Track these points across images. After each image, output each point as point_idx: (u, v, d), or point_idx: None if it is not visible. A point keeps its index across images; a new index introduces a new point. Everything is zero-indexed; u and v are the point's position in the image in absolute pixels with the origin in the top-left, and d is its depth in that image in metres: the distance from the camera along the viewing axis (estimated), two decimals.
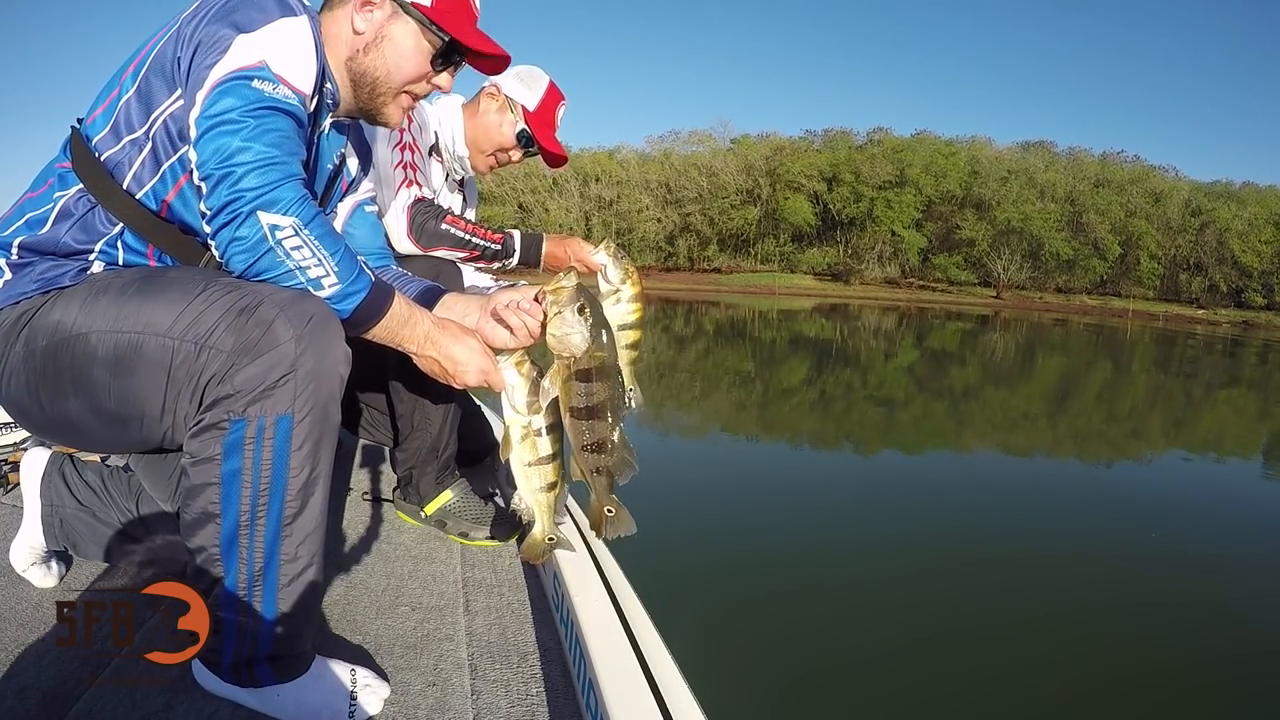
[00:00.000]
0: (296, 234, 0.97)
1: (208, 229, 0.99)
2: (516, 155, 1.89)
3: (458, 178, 2.01)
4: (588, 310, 1.13)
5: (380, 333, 1.10)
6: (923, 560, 3.82)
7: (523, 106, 1.85)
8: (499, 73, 1.40)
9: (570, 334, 1.13)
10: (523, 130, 1.84)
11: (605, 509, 1.22)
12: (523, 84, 1.88)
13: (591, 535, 1.50)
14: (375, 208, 1.47)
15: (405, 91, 1.25)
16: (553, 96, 1.87)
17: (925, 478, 5.87)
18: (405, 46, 1.21)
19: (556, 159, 1.93)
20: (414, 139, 1.78)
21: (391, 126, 1.30)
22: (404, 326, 1.12)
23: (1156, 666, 2.92)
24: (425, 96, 1.31)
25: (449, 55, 1.25)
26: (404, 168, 1.74)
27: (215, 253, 1.01)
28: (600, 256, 1.40)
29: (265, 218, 0.96)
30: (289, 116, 1.01)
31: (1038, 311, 37.33)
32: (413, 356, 1.17)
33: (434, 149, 1.91)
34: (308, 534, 1.03)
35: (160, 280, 1.03)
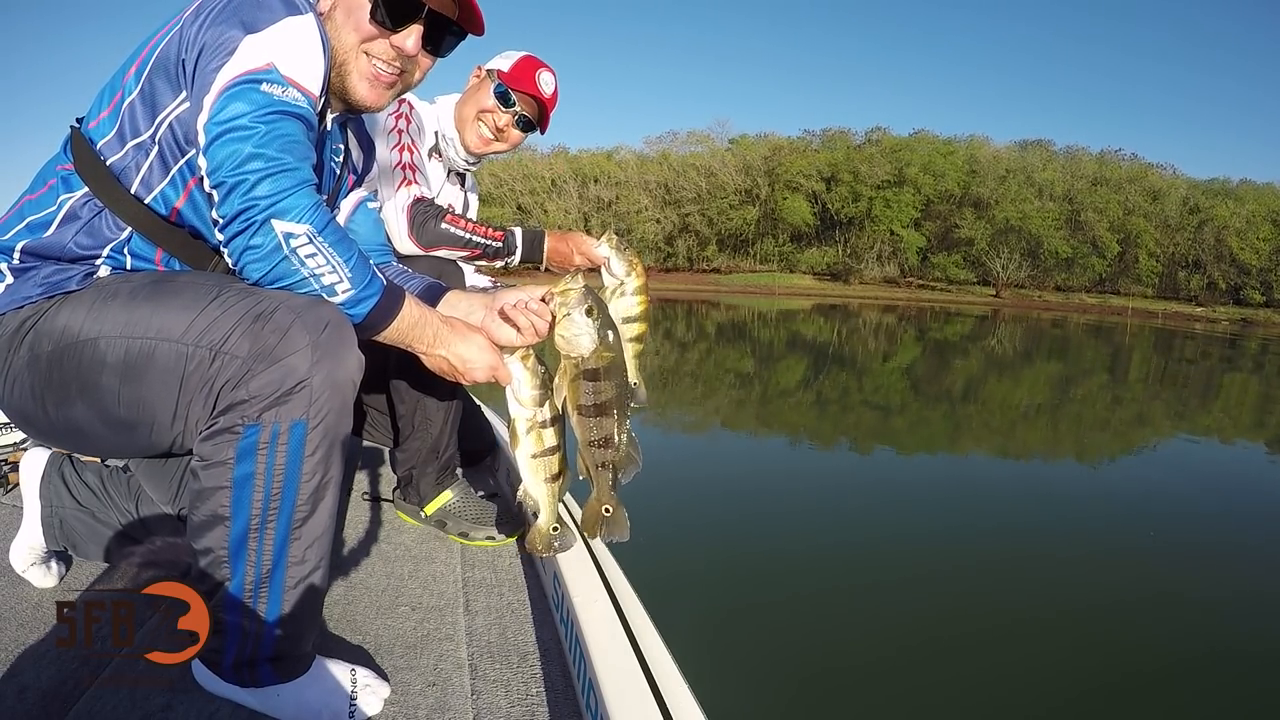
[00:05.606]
0: (310, 241, 0.97)
1: (220, 236, 0.98)
2: (502, 119, 1.87)
3: (458, 170, 2.00)
4: (595, 312, 1.15)
5: (391, 334, 1.10)
6: (923, 561, 3.82)
7: (498, 70, 1.87)
8: (469, 25, 1.26)
9: (579, 335, 1.15)
10: (499, 86, 1.85)
11: (604, 507, 1.24)
12: (500, 57, 1.91)
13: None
14: (377, 204, 1.47)
15: (366, 54, 1.15)
16: (529, 61, 1.88)
17: (926, 478, 5.87)
18: (353, 5, 1.13)
19: (533, 95, 1.86)
20: (413, 140, 1.78)
21: (367, 105, 1.20)
22: (414, 328, 1.12)
23: (1159, 664, 2.93)
24: (403, 74, 1.20)
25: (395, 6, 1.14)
26: (403, 168, 1.74)
27: (229, 260, 1.00)
28: (603, 249, 1.40)
29: (280, 226, 0.95)
30: (299, 120, 0.99)
31: (1037, 310, 37.35)
32: (421, 356, 1.17)
33: (434, 150, 1.91)
34: (316, 538, 1.03)
35: (171, 285, 1.02)
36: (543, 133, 1.95)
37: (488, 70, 1.89)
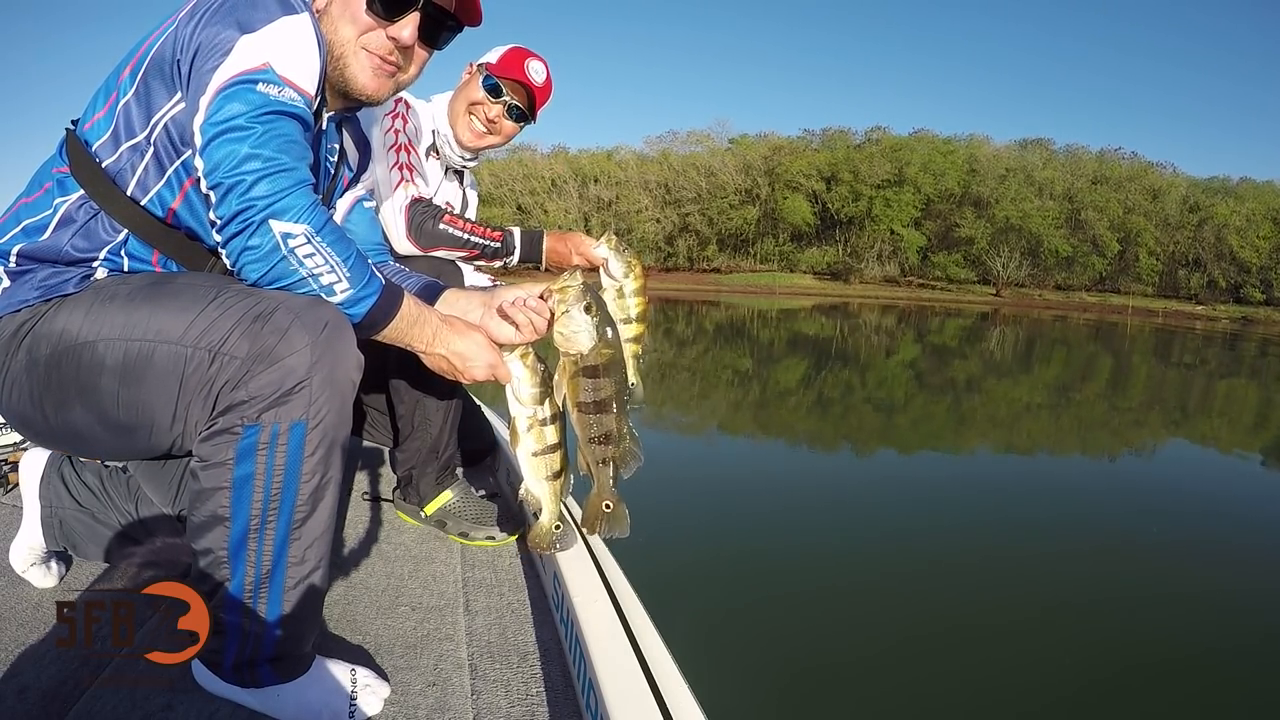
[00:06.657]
0: (309, 241, 0.96)
1: (218, 238, 0.97)
2: (492, 110, 1.87)
3: (455, 167, 2.00)
4: (594, 309, 1.16)
5: (390, 334, 1.10)
6: (922, 558, 3.82)
7: (486, 63, 1.88)
8: (466, 16, 1.26)
9: (578, 332, 1.15)
10: (487, 78, 1.85)
11: (604, 504, 1.24)
12: (490, 52, 1.91)
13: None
14: (373, 203, 1.47)
15: (364, 49, 1.14)
16: (517, 51, 1.89)
17: (924, 476, 5.87)
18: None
19: (522, 81, 1.86)
20: (409, 140, 1.78)
21: (369, 94, 1.19)
22: (413, 326, 1.11)
23: (1157, 662, 2.92)
24: (402, 69, 1.20)
25: None
26: (400, 168, 1.74)
27: (227, 261, 0.99)
28: (602, 250, 1.40)
29: (277, 226, 0.94)
30: (295, 119, 0.99)
31: (1037, 309, 37.34)
32: (420, 355, 1.17)
33: (431, 149, 1.91)
34: (316, 538, 1.03)
35: (169, 287, 1.01)
36: (533, 121, 1.94)
37: (478, 65, 1.90)
